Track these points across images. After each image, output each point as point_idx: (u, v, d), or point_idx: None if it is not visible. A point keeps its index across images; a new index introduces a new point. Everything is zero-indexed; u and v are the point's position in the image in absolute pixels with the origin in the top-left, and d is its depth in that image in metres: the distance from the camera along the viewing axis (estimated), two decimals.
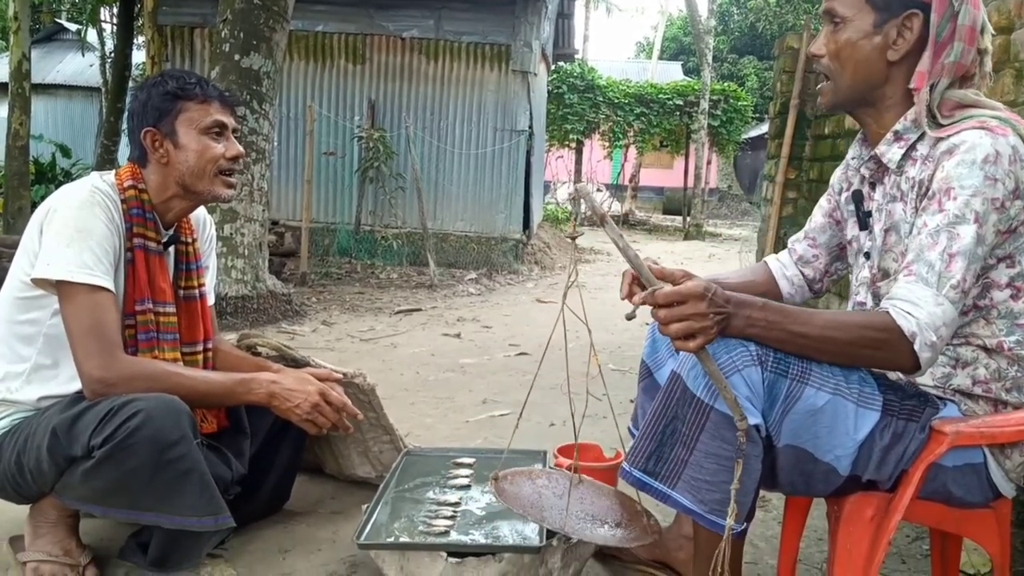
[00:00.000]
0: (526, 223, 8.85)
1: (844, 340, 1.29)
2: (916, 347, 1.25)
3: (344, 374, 2.11)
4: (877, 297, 1.49)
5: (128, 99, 1.80)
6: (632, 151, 19.24)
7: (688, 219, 16.78)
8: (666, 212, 22.33)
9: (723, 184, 26.70)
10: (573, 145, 17.93)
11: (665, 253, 12.33)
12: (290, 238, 7.78)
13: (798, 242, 1.76)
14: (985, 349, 1.39)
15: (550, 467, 2.03)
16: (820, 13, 1.49)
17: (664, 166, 23.97)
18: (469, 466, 2.11)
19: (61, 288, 1.64)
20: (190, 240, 1.95)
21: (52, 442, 1.60)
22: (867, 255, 1.52)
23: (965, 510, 1.42)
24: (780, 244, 4.46)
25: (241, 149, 1.87)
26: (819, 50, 1.47)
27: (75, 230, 1.65)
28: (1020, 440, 1.36)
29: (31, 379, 1.73)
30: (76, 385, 1.68)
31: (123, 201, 1.77)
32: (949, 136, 1.33)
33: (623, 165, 20.64)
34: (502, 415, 3.20)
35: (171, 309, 1.85)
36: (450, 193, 8.58)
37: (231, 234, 5.03)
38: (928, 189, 1.33)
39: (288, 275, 6.93)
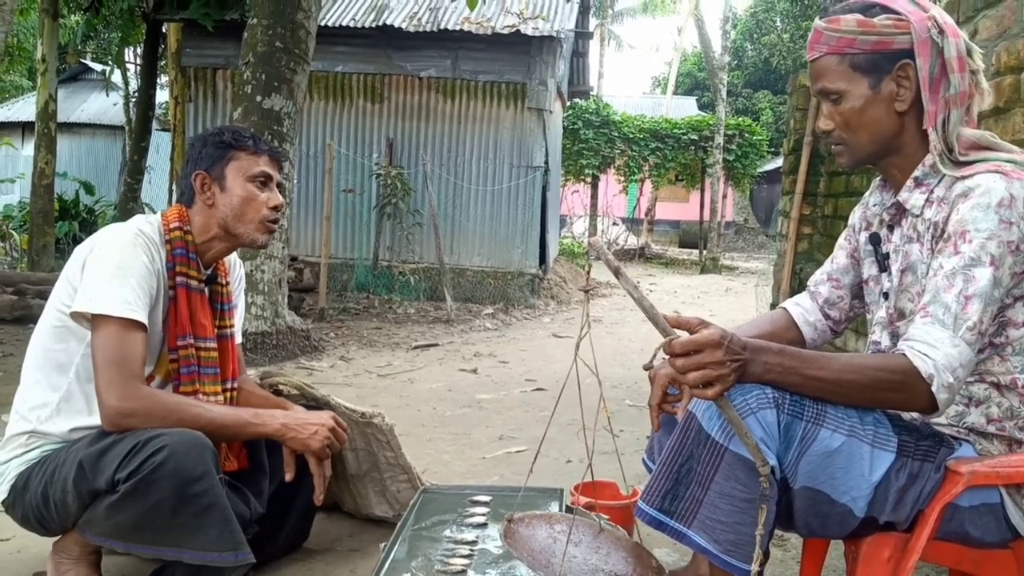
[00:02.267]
0: (542, 258, 8.90)
1: (861, 383, 1.30)
2: (933, 388, 1.25)
3: (363, 413, 2.14)
4: (894, 337, 1.50)
5: (186, 148, 1.95)
6: (648, 185, 19.32)
7: (704, 252, 16.78)
8: (682, 245, 22.33)
9: (739, 217, 26.70)
10: (589, 180, 18.04)
11: (682, 287, 12.32)
12: (309, 274, 7.86)
13: (821, 284, 1.74)
14: (997, 386, 1.40)
15: (573, 509, 2.03)
16: (814, 94, 1.52)
17: (680, 200, 24.01)
18: (486, 504, 2.12)
19: (96, 321, 1.69)
20: (225, 282, 2.02)
21: (78, 475, 1.64)
22: (886, 295, 1.53)
23: (983, 551, 1.42)
24: (796, 278, 4.46)
25: (283, 200, 1.96)
26: (827, 126, 1.48)
27: (116, 267, 1.71)
28: None
29: (61, 409, 1.77)
30: None
31: (168, 242, 1.86)
32: (964, 179, 1.35)
33: (639, 199, 20.72)
34: (519, 451, 3.21)
35: (212, 345, 1.91)
36: (467, 229, 8.66)
37: (251, 271, 5.09)
38: (943, 231, 1.35)
39: (307, 310, 7.00)
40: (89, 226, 11.50)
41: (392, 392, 4.27)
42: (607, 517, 2.01)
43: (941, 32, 1.37)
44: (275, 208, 1.93)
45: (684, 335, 1.28)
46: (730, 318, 8.41)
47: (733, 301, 10.49)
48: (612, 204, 19.44)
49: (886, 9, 1.39)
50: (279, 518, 2.05)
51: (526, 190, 8.64)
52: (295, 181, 5.77)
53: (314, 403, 2.14)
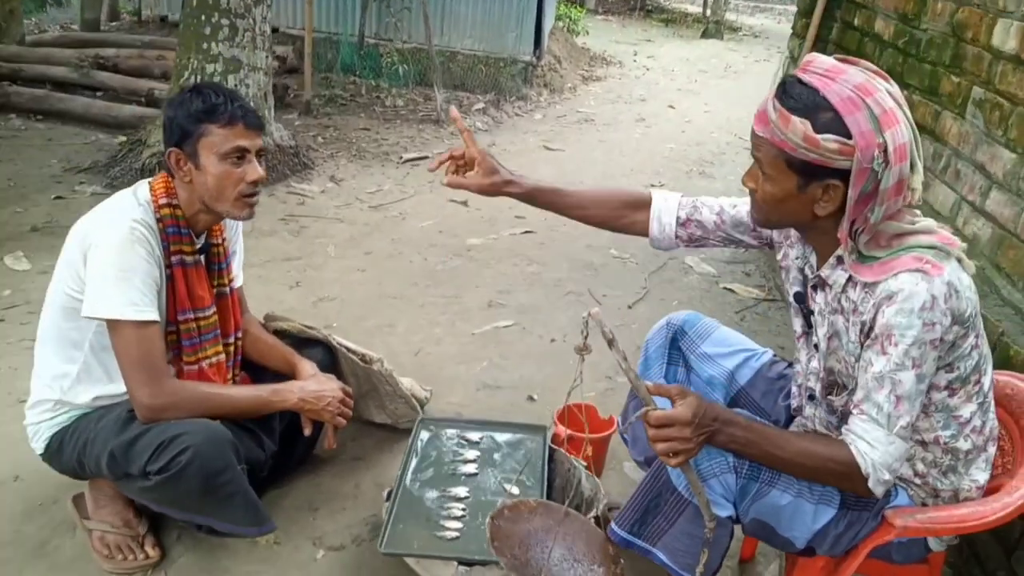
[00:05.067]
0: (537, 42, 8.47)
1: (811, 467, 1.48)
2: (870, 484, 1.43)
3: (363, 356, 2.28)
4: (831, 408, 1.64)
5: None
6: None
7: (708, 15, 15.93)
8: None
9: None
10: None
11: (680, 62, 11.89)
12: (292, 53, 7.52)
13: (705, 207, 1.82)
14: (923, 443, 1.56)
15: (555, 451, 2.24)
16: (751, 144, 1.48)
17: None
18: (476, 444, 2.33)
19: (111, 324, 1.77)
20: (220, 240, 2.05)
21: (110, 461, 1.82)
22: (816, 347, 1.63)
23: (904, 566, 1.67)
24: None
25: (263, 172, 1.90)
26: (750, 183, 1.51)
27: (119, 269, 1.75)
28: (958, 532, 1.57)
29: (81, 378, 1.91)
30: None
31: (159, 220, 1.86)
32: (886, 279, 1.39)
33: None
34: (506, 326, 3.40)
35: (211, 311, 2.00)
36: (457, 11, 8.14)
37: (235, 85, 4.91)
38: (871, 329, 1.43)
39: (291, 99, 6.81)
40: None
41: (384, 233, 4.35)
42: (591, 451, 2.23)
43: (886, 163, 1.34)
44: (255, 182, 1.89)
45: (660, 411, 1.42)
46: (724, 117, 8.26)
47: (731, 87, 10.21)
48: None
49: (839, 125, 1.33)
50: (289, 448, 2.25)
51: None
52: None
53: (315, 342, 2.27)
